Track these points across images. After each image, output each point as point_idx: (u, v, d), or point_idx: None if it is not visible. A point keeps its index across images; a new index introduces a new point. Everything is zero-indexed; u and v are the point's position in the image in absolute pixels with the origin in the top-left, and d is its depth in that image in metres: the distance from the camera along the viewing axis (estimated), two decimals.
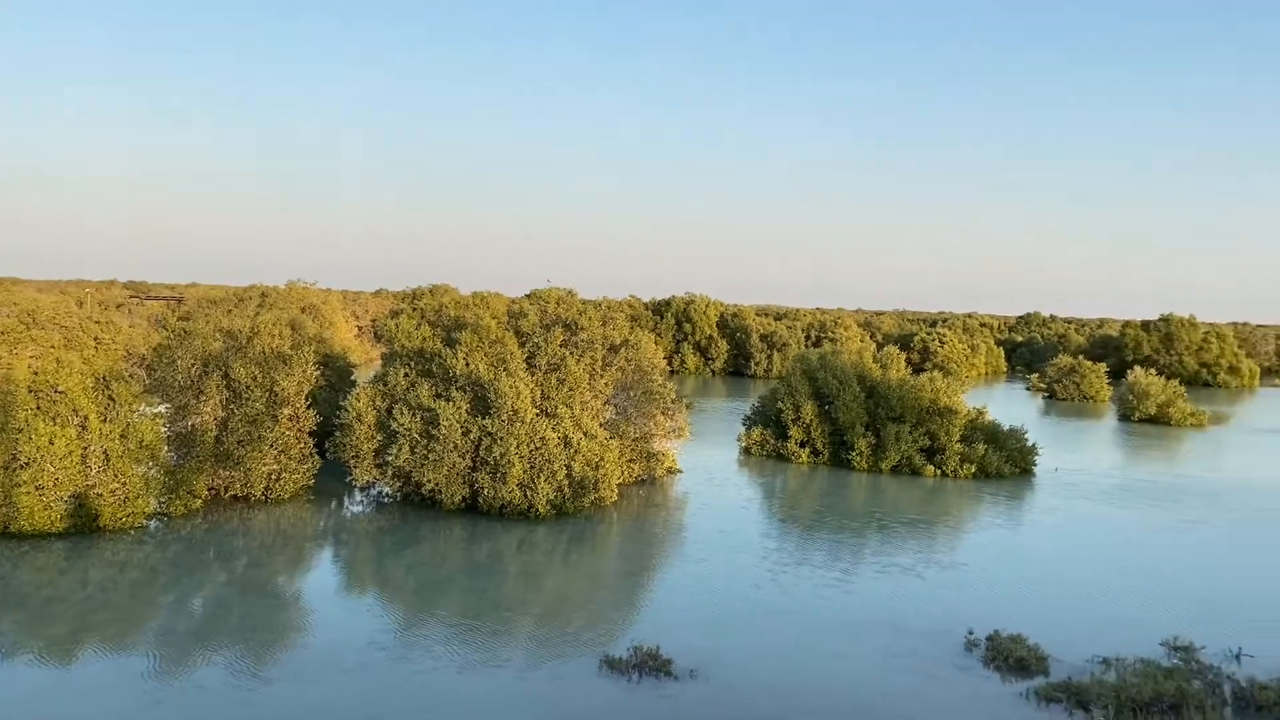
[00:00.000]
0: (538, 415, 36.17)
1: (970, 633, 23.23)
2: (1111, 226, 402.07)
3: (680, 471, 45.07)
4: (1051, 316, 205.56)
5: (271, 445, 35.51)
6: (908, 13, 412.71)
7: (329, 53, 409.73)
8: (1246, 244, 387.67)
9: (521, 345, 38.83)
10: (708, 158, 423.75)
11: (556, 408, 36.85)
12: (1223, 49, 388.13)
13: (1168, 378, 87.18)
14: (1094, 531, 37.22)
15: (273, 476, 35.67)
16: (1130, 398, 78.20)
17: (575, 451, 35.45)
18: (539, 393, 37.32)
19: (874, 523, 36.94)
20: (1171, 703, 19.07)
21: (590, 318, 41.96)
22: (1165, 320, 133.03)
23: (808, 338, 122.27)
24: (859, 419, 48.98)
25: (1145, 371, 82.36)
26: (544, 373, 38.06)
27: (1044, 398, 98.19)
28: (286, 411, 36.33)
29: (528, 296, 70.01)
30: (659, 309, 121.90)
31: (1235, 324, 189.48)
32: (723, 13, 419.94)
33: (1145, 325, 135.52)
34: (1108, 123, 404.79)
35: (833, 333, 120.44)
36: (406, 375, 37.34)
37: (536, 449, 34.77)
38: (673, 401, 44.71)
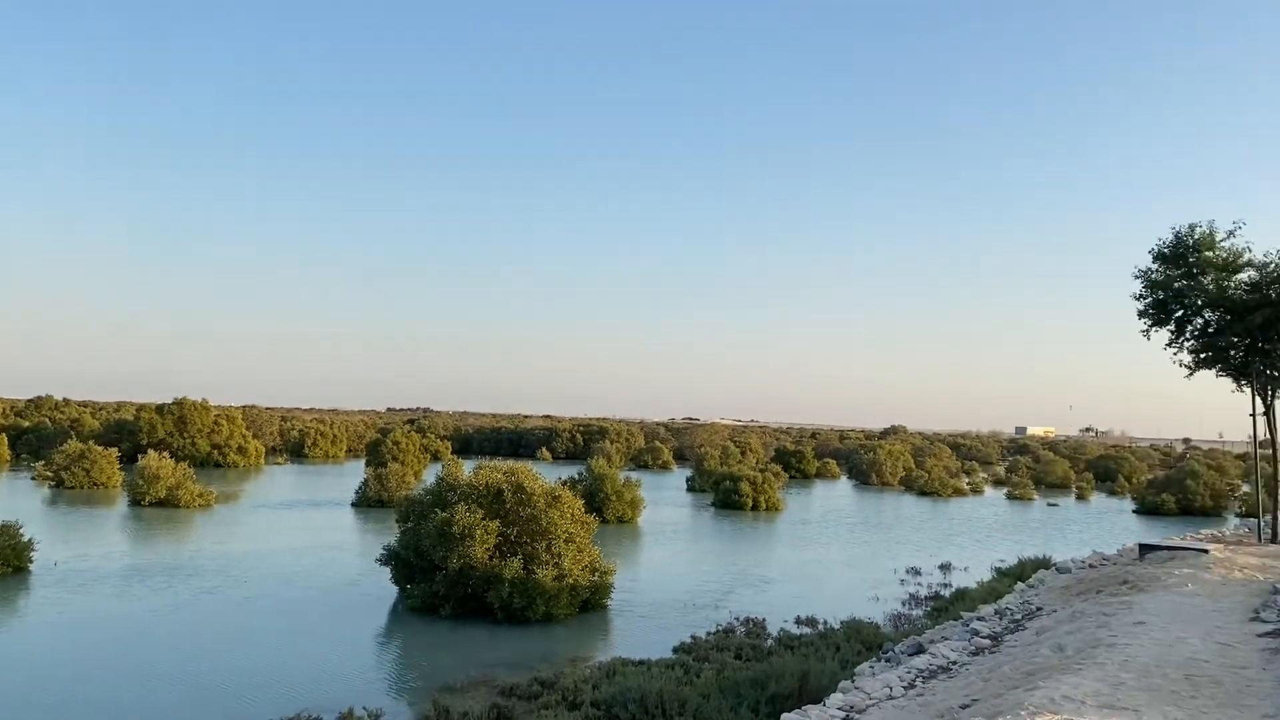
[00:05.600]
0: None
1: None
2: (115, 308, 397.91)
3: None
4: (65, 400, 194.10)
5: None
6: None
7: None
8: (239, 335, 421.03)
9: None
10: None
11: None
12: None
13: (181, 460, 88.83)
14: (93, 625, 35.40)
15: None
16: (141, 482, 77.61)
17: None
18: None
19: None
20: None
21: None
22: (179, 404, 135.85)
23: None
24: None
25: (159, 455, 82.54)
26: None
27: (51, 487, 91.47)
28: None
29: None
30: None
31: (246, 406, 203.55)
32: None
33: (160, 409, 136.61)
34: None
35: None
36: None
37: None
38: None
